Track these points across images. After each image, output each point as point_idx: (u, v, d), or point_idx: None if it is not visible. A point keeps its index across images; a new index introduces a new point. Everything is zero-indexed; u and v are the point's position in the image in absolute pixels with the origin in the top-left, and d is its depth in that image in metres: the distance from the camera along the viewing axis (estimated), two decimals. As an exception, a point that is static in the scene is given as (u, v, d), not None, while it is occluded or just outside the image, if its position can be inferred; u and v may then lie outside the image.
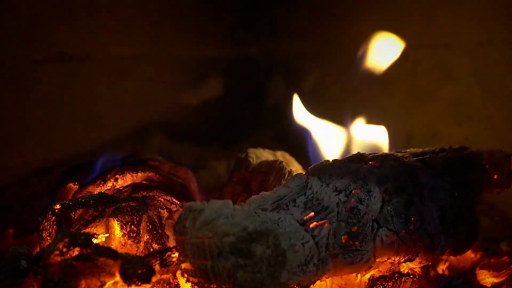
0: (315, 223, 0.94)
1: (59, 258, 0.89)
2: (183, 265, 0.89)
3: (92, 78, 1.77)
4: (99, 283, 0.89)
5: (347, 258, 0.96)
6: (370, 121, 1.36)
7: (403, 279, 1.06)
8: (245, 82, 2.12)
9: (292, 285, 0.92)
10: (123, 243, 1.06)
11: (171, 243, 1.08)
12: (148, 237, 1.08)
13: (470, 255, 1.21)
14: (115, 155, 1.27)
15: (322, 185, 0.99)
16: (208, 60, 2.03)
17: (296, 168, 1.30)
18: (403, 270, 1.09)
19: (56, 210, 1.09)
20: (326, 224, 0.94)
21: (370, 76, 1.35)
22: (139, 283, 0.89)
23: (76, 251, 0.90)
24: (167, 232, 1.11)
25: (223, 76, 2.07)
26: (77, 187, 1.20)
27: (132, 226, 1.07)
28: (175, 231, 0.90)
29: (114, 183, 1.18)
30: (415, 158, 1.08)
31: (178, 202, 1.17)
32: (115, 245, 1.06)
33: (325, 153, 1.27)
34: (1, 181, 1.59)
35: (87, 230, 1.06)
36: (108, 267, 0.89)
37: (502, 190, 1.19)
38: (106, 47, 1.79)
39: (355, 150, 1.25)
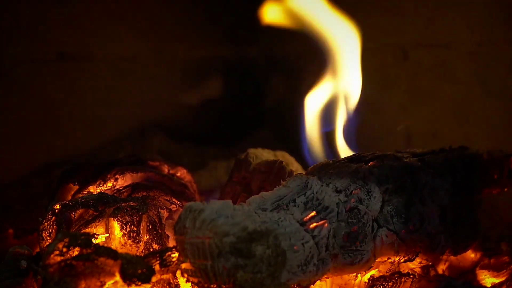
0: (315, 223, 0.94)
1: (59, 258, 0.89)
2: (183, 265, 0.89)
3: (92, 78, 1.77)
4: (99, 283, 0.89)
5: (347, 258, 0.96)
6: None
7: (403, 279, 1.06)
8: (245, 82, 2.12)
9: (292, 285, 0.92)
10: (123, 243, 1.06)
11: (171, 243, 1.08)
12: (148, 237, 1.08)
13: (470, 255, 1.21)
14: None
15: (322, 185, 0.99)
16: (208, 60, 2.03)
17: (296, 168, 1.30)
18: (403, 270, 1.09)
19: (56, 210, 1.09)
20: (326, 224, 0.94)
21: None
22: (139, 283, 0.90)
23: (76, 251, 0.90)
24: (167, 232, 1.11)
25: (223, 76, 2.07)
26: (77, 187, 1.20)
27: (132, 226, 1.07)
28: (175, 231, 0.90)
29: (114, 183, 1.18)
30: (415, 158, 1.08)
31: (178, 202, 1.17)
32: (115, 245, 1.06)
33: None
34: (1, 181, 1.59)
35: (87, 230, 1.06)
36: (108, 267, 0.89)
37: (502, 190, 1.19)
38: (106, 47, 1.79)
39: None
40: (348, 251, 0.96)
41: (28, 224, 1.36)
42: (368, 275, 1.08)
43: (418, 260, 1.05)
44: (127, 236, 1.07)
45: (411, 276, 1.06)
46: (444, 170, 1.07)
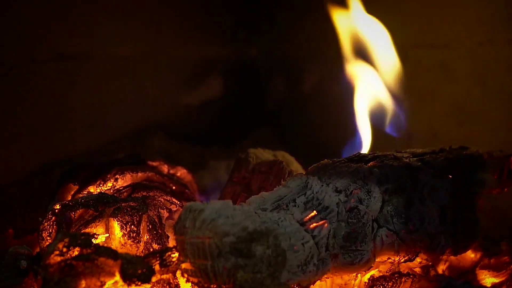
0: (315, 223, 0.94)
1: (59, 258, 0.89)
2: (183, 265, 0.89)
3: (92, 78, 1.77)
4: (99, 283, 0.89)
5: (347, 258, 0.96)
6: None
7: (403, 279, 1.06)
8: (245, 82, 2.12)
9: (292, 285, 0.92)
10: (123, 243, 1.06)
11: (171, 243, 1.08)
12: (148, 237, 1.08)
13: (470, 255, 1.21)
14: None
15: (322, 185, 0.99)
16: (208, 60, 2.03)
17: (296, 168, 1.30)
18: (403, 270, 1.09)
19: (56, 210, 1.09)
20: (326, 224, 0.94)
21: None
22: (139, 283, 0.90)
23: (76, 251, 0.90)
24: (167, 232, 1.11)
25: (223, 76, 2.07)
26: (77, 187, 1.20)
27: (132, 226, 1.07)
28: (175, 231, 0.90)
29: (114, 183, 1.18)
30: (415, 158, 1.08)
31: (178, 202, 1.17)
32: (115, 245, 1.06)
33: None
34: (1, 181, 1.59)
35: (87, 230, 1.06)
36: (108, 267, 0.89)
37: (502, 190, 1.19)
38: (106, 47, 1.79)
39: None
40: (348, 251, 0.96)
41: (28, 224, 1.36)
42: (368, 275, 1.08)
43: (418, 260, 1.05)
44: (127, 236, 1.07)
45: (411, 276, 1.06)
46: (444, 170, 1.07)
